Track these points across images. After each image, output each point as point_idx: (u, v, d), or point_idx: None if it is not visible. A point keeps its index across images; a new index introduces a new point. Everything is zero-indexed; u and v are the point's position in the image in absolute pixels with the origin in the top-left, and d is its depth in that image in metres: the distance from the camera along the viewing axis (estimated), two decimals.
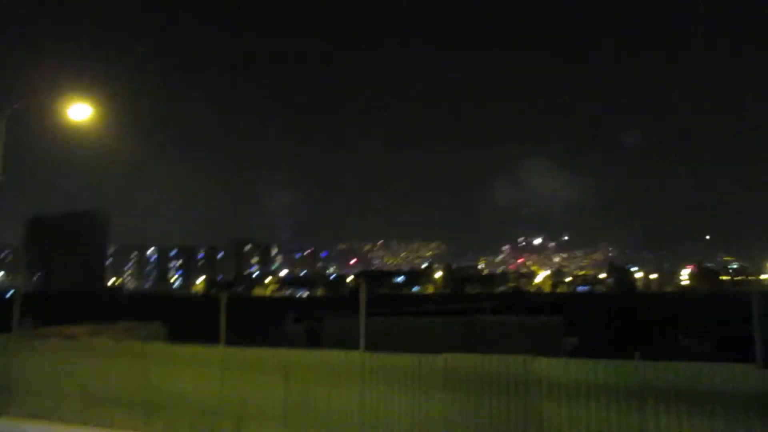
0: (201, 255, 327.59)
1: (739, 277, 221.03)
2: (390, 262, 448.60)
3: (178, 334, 22.04)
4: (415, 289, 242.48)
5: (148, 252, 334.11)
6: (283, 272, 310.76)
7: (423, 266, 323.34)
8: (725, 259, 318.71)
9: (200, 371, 16.19)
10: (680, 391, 11.61)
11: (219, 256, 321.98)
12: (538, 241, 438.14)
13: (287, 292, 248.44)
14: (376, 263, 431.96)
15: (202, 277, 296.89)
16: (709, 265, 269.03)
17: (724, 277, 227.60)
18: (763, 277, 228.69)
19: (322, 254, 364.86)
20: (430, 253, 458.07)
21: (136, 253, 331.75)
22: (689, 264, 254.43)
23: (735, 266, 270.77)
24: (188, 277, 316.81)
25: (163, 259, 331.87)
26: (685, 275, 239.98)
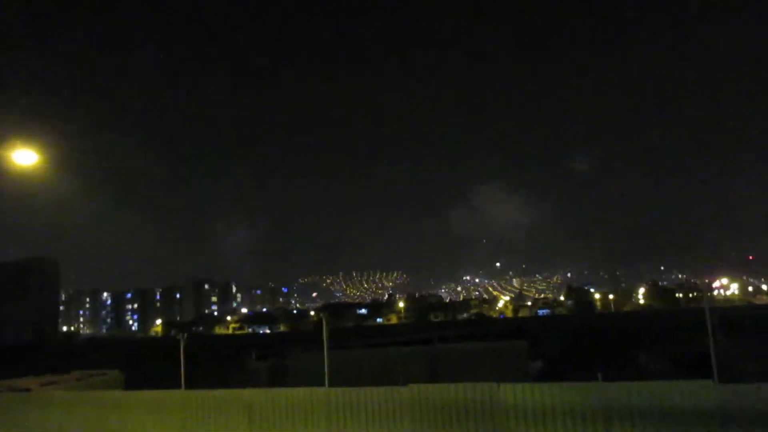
0: (158, 296, 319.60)
1: (693, 294, 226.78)
2: (352, 293, 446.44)
3: (137, 380, 21.40)
4: (379, 320, 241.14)
5: (103, 296, 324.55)
6: (244, 310, 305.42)
7: (385, 297, 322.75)
8: (679, 277, 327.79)
9: (160, 417, 15.72)
10: (643, 410, 11.82)
11: (177, 296, 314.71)
12: (497, 266, 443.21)
13: (249, 329, 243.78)
14: (338, 296, 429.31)
15: (160, 320, 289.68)
16: (663, 283, 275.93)
17: (679, 295, 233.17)
18: (716, 293, 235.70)
19: (283, 290, 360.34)
20: (392, 283, 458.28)
21: (89, 298, 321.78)
22: (645, 283, 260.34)
23: (689, 282, 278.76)
24: (145, 319, 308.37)
25: (118, 302, 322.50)
26: (641, 294, 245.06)
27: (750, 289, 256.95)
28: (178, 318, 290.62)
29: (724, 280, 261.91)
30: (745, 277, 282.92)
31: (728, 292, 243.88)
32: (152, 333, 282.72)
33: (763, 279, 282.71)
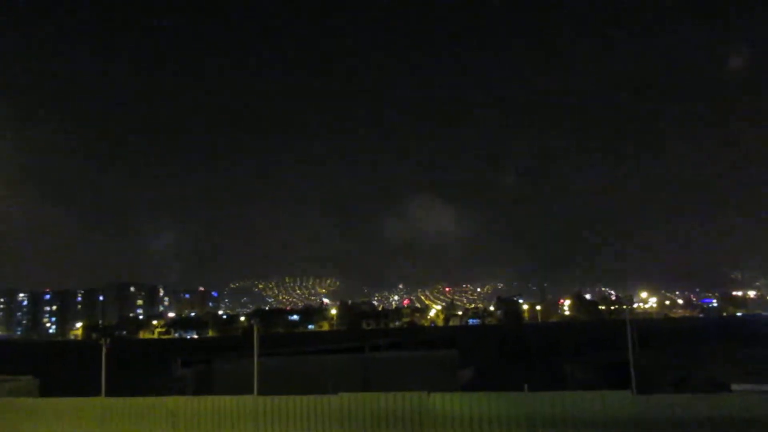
0: (79, 298, 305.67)
1: (615, 307, 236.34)
2: (284, 299, 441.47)
3: (54, 386, 20.38)
4: (311, 326, 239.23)
5: (19, 297, 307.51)
6: (171, 314, 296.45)
7: (318, 303, 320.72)
8: (603, 289, 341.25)
9: (78, 426, 15.03)
10: (566, 419, 12.20)
11: (99, 299, 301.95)
12: (430, 276, 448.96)
13: (176, 334, 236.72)
14: (270, 302, 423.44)
15: (80, 323, 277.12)
16: (588, 296, 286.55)
17: (602, 307, 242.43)
18: (636, 306, 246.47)
19: (213, 294, 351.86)
20: (325, 290, 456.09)
21: (4, 298, 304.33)
22: (570, 295, 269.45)
23: (611, 295, 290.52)
24: (65, 322, 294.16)
25: (35, 303, 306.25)
26: (566, 306, 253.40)
27: (667, 302, 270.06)
28: (100, 321, 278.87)
29: (644, 294, 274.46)
30: (663, 292, 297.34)
31: (647, 306, 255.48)
32: (72, 336, 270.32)
33: (678, 293, 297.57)
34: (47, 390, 19.79)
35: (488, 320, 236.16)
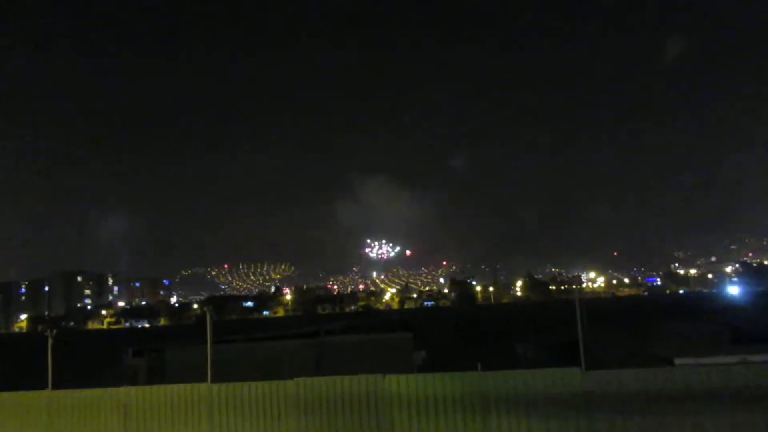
0: (22, 290, 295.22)
1: (564, 287, 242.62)
2: (238, 286, 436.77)
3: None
4: (266, 313, 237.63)
5: None
6: (121, 303, 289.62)
7: (272, 289, 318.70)
8: (553, 270, 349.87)
9: (24, 420, 14.57)
10: (518, 397, 12.50)
11: (45, 290, 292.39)
12: (383, 258, 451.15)
13: (126, 324, 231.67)
14: (224, 288, 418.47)
15: (25, 315, 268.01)
16: (539, 276, 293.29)
17: (552, 287, 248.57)
18: (585, 285, 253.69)
19: (165, 282, 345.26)
20: (279, 276, 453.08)
21: None
22: (522, 276, 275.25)
23: (561, 275, 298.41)
24: (8, 314, 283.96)
25: None
26: (518, 287, 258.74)
27: (614, 282, 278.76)
28: (46, 313, 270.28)
29: (592, 274, 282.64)
30: (610, 271, 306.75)
31: (595, 285, 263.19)
32: (16, 329, 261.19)
33: (624, 273, 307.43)
34: None
35: (442, 302, 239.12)
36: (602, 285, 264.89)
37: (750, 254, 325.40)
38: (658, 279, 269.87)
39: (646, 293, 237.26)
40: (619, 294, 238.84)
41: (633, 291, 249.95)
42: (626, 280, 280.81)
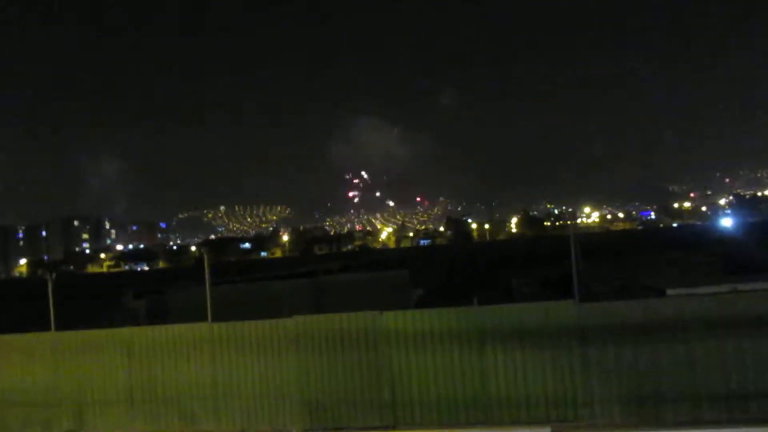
0: (20, 234, 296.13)
1: (559, 223, 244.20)
2: (235, 228, 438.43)
3: (2, 324, 19.99)
4: (263, 254, 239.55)
5: None
6: (119, 247, 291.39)
7: (269, 231, 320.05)
8: (548, 206, 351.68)
9: (29, 360, 14.87)
10: (513, 330, 12.75)
11: (42, 234, 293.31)
12: (378, 196, 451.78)
13: (126, 267, 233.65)
14: (221, 231, 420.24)
15: (24, 260, 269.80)
16: (534, 213, 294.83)
17: (547, 223, 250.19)
18: (579, 221, 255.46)
19: (162, 225, 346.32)
20: (276, 217, 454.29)
21: None
22: (517, 213, 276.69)
23: (555, 212, 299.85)
24: (7, 259, 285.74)
25: None
26: (513, 223, 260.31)
27: (608, 217, 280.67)
28: (45, 258, 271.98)
29: (587, 209, 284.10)
30: (604, 206, 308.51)
31: (590, 221, 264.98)
32: (16, 274, 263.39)
33: (618, 207, 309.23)
34: None
35: (439, 240, 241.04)
36: (597, 220, 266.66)
37: (744, 186, 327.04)
38: (653, 213, 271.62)
39: (640, 227, 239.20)
40: (613, 228, 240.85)
41: (627, 225, 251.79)
42: (621, 215, 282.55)
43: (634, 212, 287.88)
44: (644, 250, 55.61)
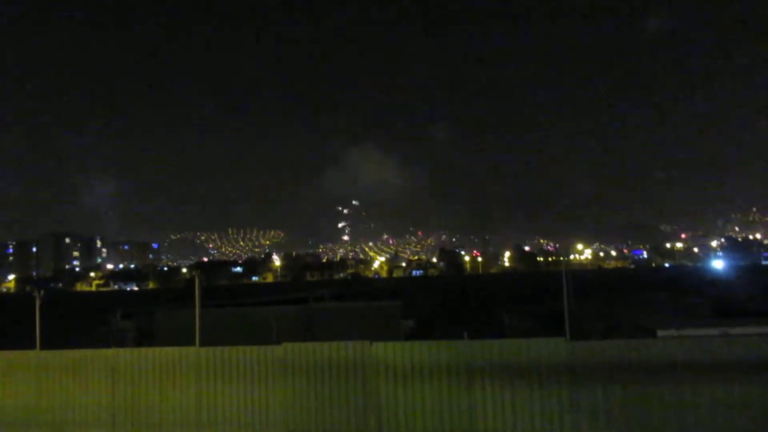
0: (10, 250, 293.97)
1: (552, 258, 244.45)
2: (227, 251, 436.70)
3: None
4: (255, 278, 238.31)
5: None
6: (110, 266, 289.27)
7: (262, 255, 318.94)
8: (541, 241, 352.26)
9: (12, 380, 14.63)
10: (503, 366, 12.67)
11: (33, 250, 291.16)
12: (372, 227, 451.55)
13: (115, 286, 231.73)
14: (213, 253, 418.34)
15: (13, 275, 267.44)
16: (526, 248, 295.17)
17: (540, 258, 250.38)
18: (572, 258, 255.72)
19: (154, 246, 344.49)
20: (269, 242, 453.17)
21: None
22: (510, 246, 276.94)
23: (548, 247, 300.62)
24: None
25: None
26: (507, 257, 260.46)
27: (601, 254, 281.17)
28: (34, 273, 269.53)
29: (579, 246, 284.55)
30: (597, 244, 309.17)
31: (582, 257, 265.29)
32: (3, 289, 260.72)
33: (612, 246, 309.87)
34: None
35: (431, 271, 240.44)
36: (589, 257, 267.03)
37: (736, 229, 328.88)
38: (645, 252, 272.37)
39: (632, 266, 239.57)
40: (605, 266, 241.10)
41: (619, 264, 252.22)
42: (613, 253, 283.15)
43: (626, 251, 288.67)
44: (636, 289, 55.64)
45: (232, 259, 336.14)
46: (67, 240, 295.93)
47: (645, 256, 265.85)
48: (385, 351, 13.15)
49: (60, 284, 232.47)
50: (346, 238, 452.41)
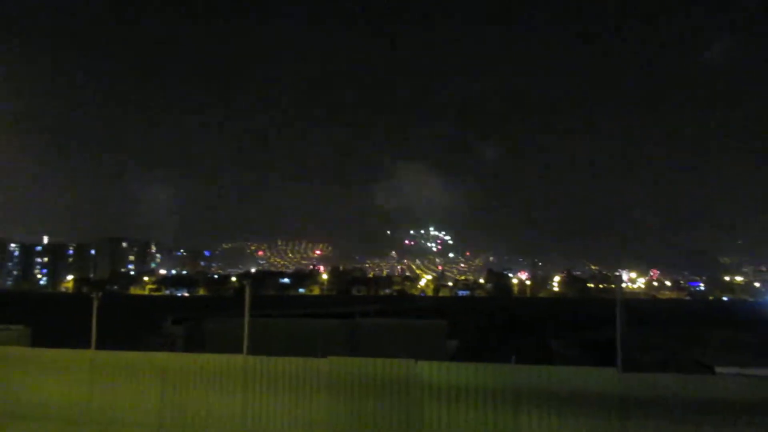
0: (70, 251, 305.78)
1: (603, 285, 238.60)
2: (276, 262, 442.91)
3: (44, 336, 20.47)
4: (301, 290, 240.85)
5: (11, 247, 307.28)
6: (163, 271, 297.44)
7: (309, 268, 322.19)
8: (592, 267, 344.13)
9: (67, 377, 15.12)
10: (551, 393, 12.35)
11: (91, 253, 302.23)
12: (421, 245, 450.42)
13: (166, 291, 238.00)
14: (262, 264, 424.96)
15: (71, 276, 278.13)
16: (577, 273, 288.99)
17: (591, 285, 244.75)
18: (624, 286, 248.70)
19: (206, 253, 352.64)
20: (317, 254, 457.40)
21: None
22: (560, 271, 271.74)
23: (600, 274, 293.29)
24: (56, 275, 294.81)
25: (27, 255, 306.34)
26: (556, 282, 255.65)
27: (655, 284, 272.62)
28: (91, 275, 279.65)
29: (633, 274, 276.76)
30: (651, 273, 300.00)
31: (635, 286, 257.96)
32: (62, 289, 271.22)
33: (666, 275, 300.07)
34: (38, 340, 19.89)
35: (478, 292, 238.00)
36: (642, 286, 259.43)
37: None
38: (702, 284, 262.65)
39: (688, 297, 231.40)
40: (659, 296, 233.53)
41: (675, 294, 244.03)
42: (668, 283, 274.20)
43: (682, 281, 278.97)
44: (691, 322, 53.63)
45: (279, 270, 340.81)
46: (124, 244, 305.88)
47: (702, 288, 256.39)
48: (431, 370, 13.03)
49: (115, 287, 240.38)
50: (393, 254, 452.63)
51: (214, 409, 13.99)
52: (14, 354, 15.94)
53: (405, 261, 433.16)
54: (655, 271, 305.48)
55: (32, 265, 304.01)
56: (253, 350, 14.38)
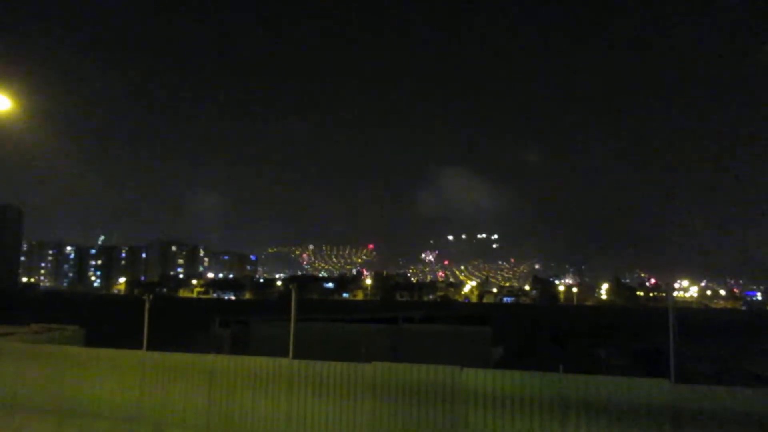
0: (122, 254, 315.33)
1: (653, 294, 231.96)
2: (320, 267, 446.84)
3: (97, 337, 21.12)
4: (345, 295, 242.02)
5: (67, 250, 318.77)
6: (210, 274, 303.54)
7: (353, 272, 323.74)
8: (641, 275, 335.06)
9: (119, 377, 15.53)
10: (600, 404, 12.04)
11: (142, 256, 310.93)
12: (466, 251, 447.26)
13: (214, 294, 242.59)
14: (306, 268, 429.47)
15: (124, 278, 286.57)
16: (625, 280, 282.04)
17: (640, 293, 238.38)
18: (676, 294, 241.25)
19: (252, 257, 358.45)
20: (361, 260, 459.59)
21: (52, 250, 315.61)
22: (607, 278, 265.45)
23: (649, 282, 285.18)
24: (109, 276, 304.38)
25: (82, 257, 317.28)
26: (604, 289, 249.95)
27: (708, 293, 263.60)
28: (142, 278, 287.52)
29: (685, 283, 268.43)
30: (704, 281, 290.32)
31: (687, 295, 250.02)
32: (115, 291, 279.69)
33: (720, 284, 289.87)
34: (91, 340, 20.53)
35: (523, 299, 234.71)
36: (695, 295, 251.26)
37: None
38: (759, 293, 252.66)
39: (744, 307, 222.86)
40: (713, 306, 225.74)
41: (729, 304, 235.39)
42: (722, 292, 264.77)
43: (737, 290, 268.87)
44: (748, 333, 51.64)
45: (324, 274, 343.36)
46: (174, 248, 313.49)
47: (759, 297, 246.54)
48: (476, 377, 12.87)
49: (165, 289, 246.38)
50: (437, 259, 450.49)
51: (260, 411, 14.15)
52: (70, 353, 16.46)
53: (449, 266, 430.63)
54: (708, 280, 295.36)
55: (87, 267, 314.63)
56: (298, 354, 14.51)
